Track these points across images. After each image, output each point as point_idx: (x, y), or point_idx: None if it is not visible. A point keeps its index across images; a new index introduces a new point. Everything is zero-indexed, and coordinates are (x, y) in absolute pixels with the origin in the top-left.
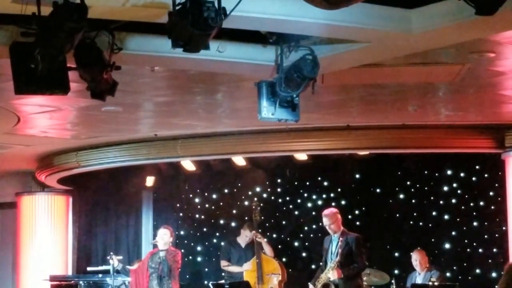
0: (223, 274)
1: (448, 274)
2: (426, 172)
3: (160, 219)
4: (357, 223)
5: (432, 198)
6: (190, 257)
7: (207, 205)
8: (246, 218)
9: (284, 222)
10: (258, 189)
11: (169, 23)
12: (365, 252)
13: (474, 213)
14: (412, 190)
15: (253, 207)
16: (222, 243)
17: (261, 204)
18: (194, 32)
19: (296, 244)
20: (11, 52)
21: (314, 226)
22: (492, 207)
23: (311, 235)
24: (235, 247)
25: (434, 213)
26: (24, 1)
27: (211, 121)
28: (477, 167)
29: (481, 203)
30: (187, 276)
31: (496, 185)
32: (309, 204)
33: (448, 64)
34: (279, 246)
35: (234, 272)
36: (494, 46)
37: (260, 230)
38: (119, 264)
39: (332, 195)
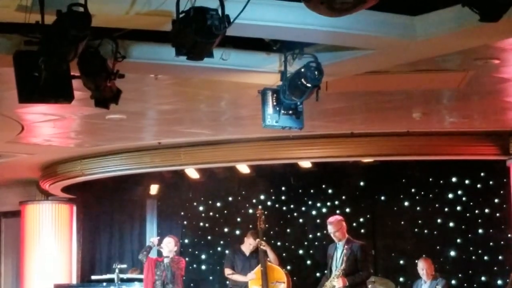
0: (227, 282)
1: (453, 282)
2: (430, 179)
3: (164, 227)
4: (362, 230)
5: (437, 205)
6: (195, 265)
7: (211, 213)
8: (251, 226)
9: (288, 230)
10: (262, 197)
11: (173, 31)
12: (370, 260)
13: (479, 220)
14: (417, 197)
15: (258, 215)
16: (226, 251)
17: (265, 212)
18: (198, 40)
19: (300, 252)
20: (14, 60)
21: (318, 234)
22: (497, 214)
23: (316, 243)
24: (239, 255)
25: (439, 221)
26: (27, 10)
27: (215, 129)
28: (482, 174)
29: (486, 210)
30: (192, 284)
31: (501, 192)
32: (314, 212)
33: (452, 71)
34: (284, 254)
35: (238, 280)
36: (498, 52)
37: (264, 238)
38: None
39: (336, 202)
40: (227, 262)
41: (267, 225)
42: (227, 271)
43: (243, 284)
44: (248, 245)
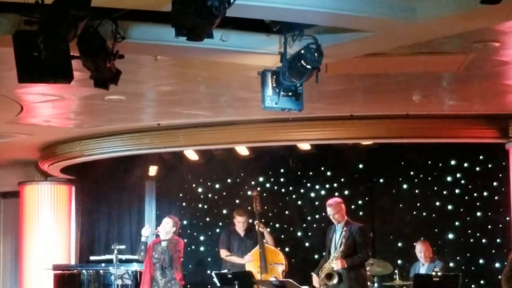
0: (226, 263)
1: (451, 264)
2: (429, 162)
3: (163, 208)
4: (360, 213)
5: (435, 188)
6: (193, 247)
7: (210, 195)
8: (249, 208)
9: (287, 212)
10: (261, 179)
11: (173, 12)
12: (368, 242)
13: (478, 203)
14: (416, 180)
15: (253, 197)
16: (222, 233)
17: (264, 194)
18: (198, 20)
19: (299, 234)
20: (14, 40)
21: (317, 216)
22: (496, 197)
23: (314, 225)
24: (234, 236)
25: (437, 203)
26: None
27: (214, 110)
28: (481, 157)
29: (485, 193)
30: (190, 266)
31: (500, 175)
32: (312, 194)
33: (452, 54)
34: (282, 236)
35: (236, 262)
36: (498, 35)
37: (263, 220)
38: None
39: (335, 185)
40: (222, 243)
41: (266, 207)
42: (224, 253)
43: (241, 265)
44: (238, 224)
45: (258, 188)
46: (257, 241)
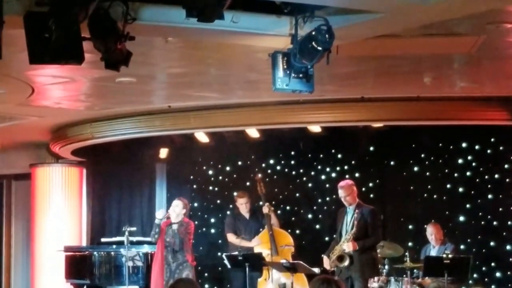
0: (234, 246)
1: (462, 247)
2: (440, 144)
3: (174, 191)
4: (371, 195)
5: (446, 170)
6: (204, 229)
7: (220, 177)
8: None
9: (297, 194)
10: (271, 161)
11: None
12: (380, 224)
13: (489, 186)
14: (427, 162)
15: (257, 181)
16: (227, 216)
17: (275, 176)
18: (209, 1)
19: (309, 216)
20: (25, 22)
21: (327, 199)
22: (507, 180)
23: (325, 208)
24: (239, 219)
25: (448, 186)
26: None
27: (224, 92)
28: (492, 139)
29: (496, 176)
30: (201, 248)
31: (511, 157)
32: (323, 177)
33: (463, 35)
34: (293, 218)
35: (246, 246)
36: (511, 16)
37: (274, 202)
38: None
39: (346, 167)
40: (228, 227)
41: (276, 189)
42: (232, 237)
43: (248, 249)
44: (241, 206)
45: (269, 171)
46: (262, 223)
